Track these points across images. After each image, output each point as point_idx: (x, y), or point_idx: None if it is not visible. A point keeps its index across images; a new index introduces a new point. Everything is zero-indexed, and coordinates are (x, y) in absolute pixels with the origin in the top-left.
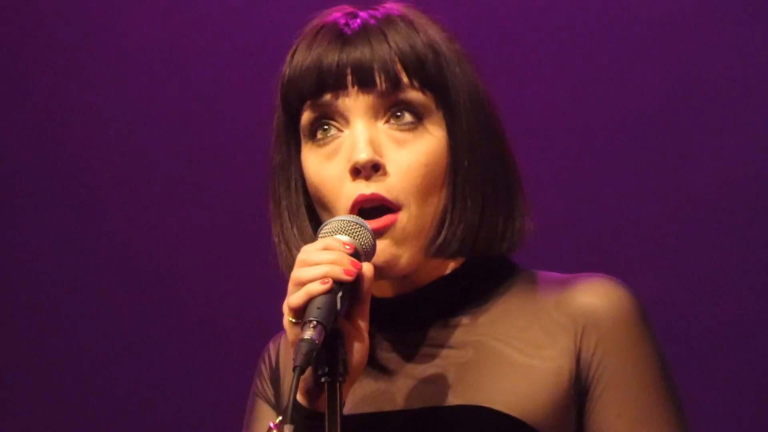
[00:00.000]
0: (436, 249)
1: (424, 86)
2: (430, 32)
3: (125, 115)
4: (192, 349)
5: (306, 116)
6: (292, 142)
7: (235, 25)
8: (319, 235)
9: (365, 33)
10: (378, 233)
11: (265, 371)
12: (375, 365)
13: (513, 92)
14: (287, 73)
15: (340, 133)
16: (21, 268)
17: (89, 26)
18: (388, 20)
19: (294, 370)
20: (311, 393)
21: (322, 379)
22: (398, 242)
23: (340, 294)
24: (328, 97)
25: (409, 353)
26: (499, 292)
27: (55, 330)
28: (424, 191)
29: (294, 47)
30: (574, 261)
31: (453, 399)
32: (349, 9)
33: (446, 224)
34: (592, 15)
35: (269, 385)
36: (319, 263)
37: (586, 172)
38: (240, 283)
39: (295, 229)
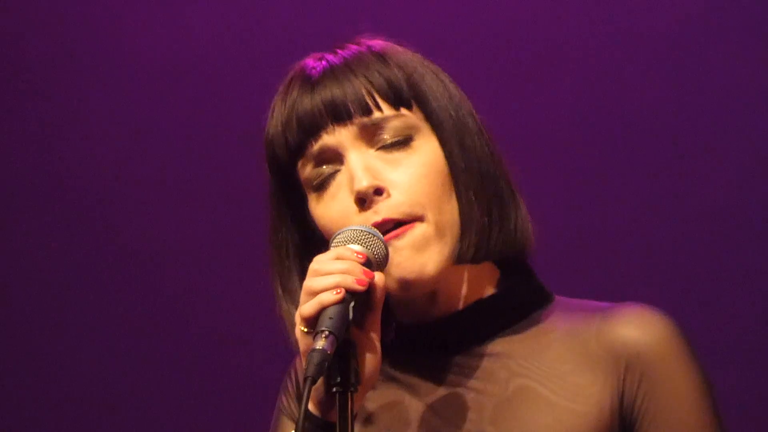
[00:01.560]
0: (457, 257)
1: (402, 106)
2: (401, 56)
3: (127, 119)
4: (195, 354)
5: (301, 168)
6: (283, 203)
7: (235, 34)
8: (332, 245)
9: (331, 72)
10: (398, 237)
11: (291, 388)
12: (408, 390)
13: (513, 102)
14: (269, 131)
15: (337, 173)
16: (23, 272)
17: (89, 30)
18: (354, 55)
19: (305, 380)
20: (324, 403)
21: (334, 390)
22: (420, 248)
23: (352, 304)
24: (313, 142)
25: (444, 380)
26: (536, 320)
27: (54, 333)
28: (436, 201)
29: (272, 104)
30: (579, 271)
31: (493, 429)
32: (318, 54)
33: (462, 231)
34: (596, 24)
35: (295, 403)
36: (331, 273)
37: (589, 180)
38: (246, 290)
39: (284, 296)
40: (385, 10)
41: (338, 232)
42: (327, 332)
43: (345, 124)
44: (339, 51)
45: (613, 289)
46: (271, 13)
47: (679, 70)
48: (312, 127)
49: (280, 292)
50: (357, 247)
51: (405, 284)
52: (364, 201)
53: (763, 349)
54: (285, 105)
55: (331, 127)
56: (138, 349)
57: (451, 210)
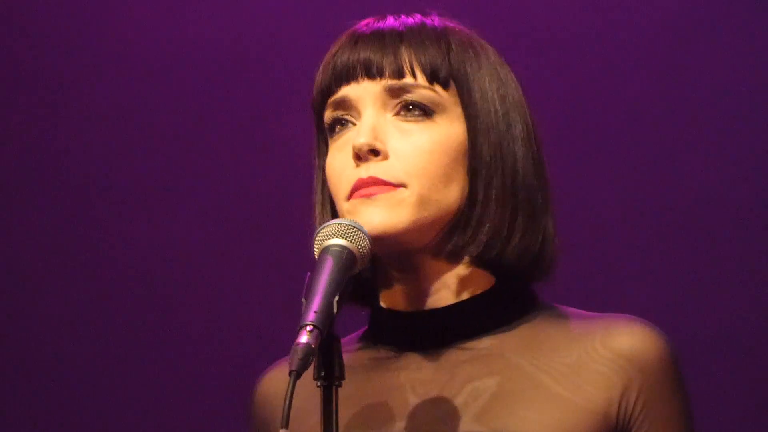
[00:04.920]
0: (452, 246)
1: (437, 82)
2: (459, 39)
3: (122, 118)
4: (188, 354)
5: (327, 114)
6: (321, 143)
7: (232, 30)
8: (315, 239)
9: (381, 33)
10: (369, 198)
11: (259, 422)
12: (398, 386)
13: None
14: (317, 71)
15: (353, 126)
16: (17, 272)
17: (85, 25)
18: (414, 26)
19: (290, 374)
20: None
21: (318, 384)
22: (391, 207)
23: (336, 298)
24: (340, 91)
25: (432, 375)
26: (527, 320)
27: (50, 336)
28: (429, 176)
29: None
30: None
31: (481, 427)
32: (383, 15)
33: (464, 221)
34: (589, 20)
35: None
36: None
37: (579, 178)
38: (239, 288)
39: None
40: (384, 10)
41: (322, 225)
42: (311, 326)
43: (373, 79)
44: (404, 17)
45: (605, 290)
46: (267, 9)
47: (671, 66)
48: (344, 76)
49: (316, 222)
50: (341, 242)
51: (373, 240)
52: (359, 157)
53: (761, 351)
54: (331, 52)
55: (360, 79)
56: (132, 351)
57: (446, 193)
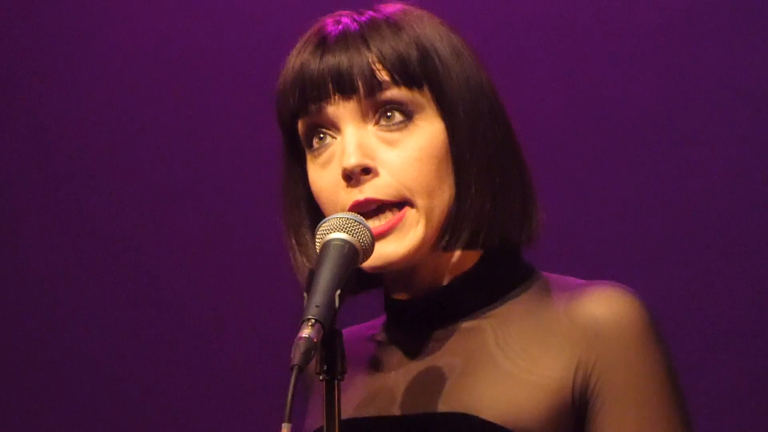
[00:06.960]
0: (446, 243)
1: (410, 83)
2: (419, 29)
3: (122, 117)
4: (190, 350)
5: (300, 127)
6: (292, 158)
7: (231, 32)
8: (317, 234)
9: (344, 39)
10: (384, 235)
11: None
12: (382, 368)
13: (510, 96)
14: (278, 87)
15: (333, 141)
16: (21, 271)
17: (85, 26)
18: (370, 23)
19: (291, 369)
20: None
21: (320, 378)
22: (400, 236)
23: (338, 292)
24: (313, 107)
25: (415, 356)
26: (512, 296)
27: (52, 333)
28: (426, 186)
29: (288, 57)
30: (573, 264)
31: (443, 406)
32: (337, 16)
33: (453, 217)
34: (593, 19)
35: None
36: None
37: (584, 175)
38: (238, 284)
39: (298, 249)
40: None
41: (324, 220)
42: (313, 320)
43: (348, 97)
44: (356, 17)
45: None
46: (263, 8)
47: (670, 63)
48: (315, 95)
49: (293, 243)
50: (343, 236)
51: (374, 268)
52: (350, 178)
53: (757, 346)
54: (295, 64)
55: (334, 97)
56: (130, 349)
57: (442, 196)
